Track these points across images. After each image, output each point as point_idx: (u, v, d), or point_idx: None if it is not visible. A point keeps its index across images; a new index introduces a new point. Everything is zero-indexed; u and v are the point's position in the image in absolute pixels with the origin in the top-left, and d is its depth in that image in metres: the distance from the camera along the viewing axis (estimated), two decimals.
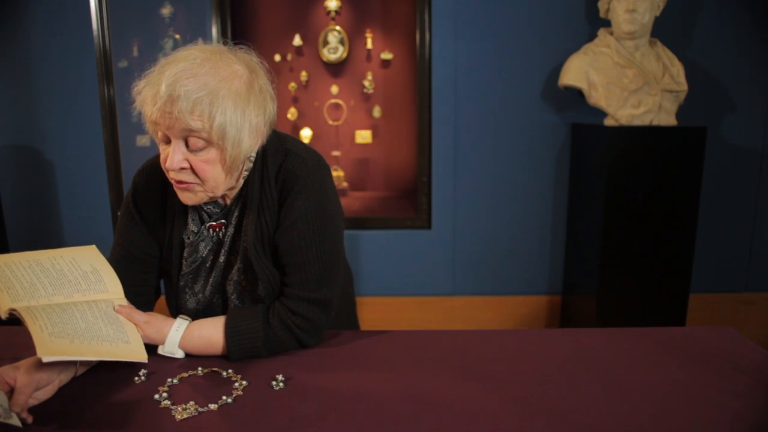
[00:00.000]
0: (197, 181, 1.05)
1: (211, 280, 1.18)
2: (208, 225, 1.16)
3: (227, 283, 1.18)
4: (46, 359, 0.87)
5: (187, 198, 1.08)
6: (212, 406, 0.92)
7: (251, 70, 1.06)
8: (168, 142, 1.03)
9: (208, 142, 1.02)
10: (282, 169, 1.13)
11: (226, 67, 1.02)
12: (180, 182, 1.05)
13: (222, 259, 1.17)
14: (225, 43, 1.08)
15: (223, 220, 1.17)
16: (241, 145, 1.04)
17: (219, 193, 1.10)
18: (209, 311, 1.20)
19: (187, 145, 1.02)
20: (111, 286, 1.08)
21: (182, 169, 1.03)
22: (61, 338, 0.92)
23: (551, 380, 1.01)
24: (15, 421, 0.83)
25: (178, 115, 0.97)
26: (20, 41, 2.86)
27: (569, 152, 2.84)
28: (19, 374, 0.89)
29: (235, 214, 1.16)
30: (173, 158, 1.01)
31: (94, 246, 1.10)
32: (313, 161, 1.15)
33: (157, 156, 1.22)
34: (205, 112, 0.98)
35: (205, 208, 1.17)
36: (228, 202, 1.16)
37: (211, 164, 1.03)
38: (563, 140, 2.84)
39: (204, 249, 1.18)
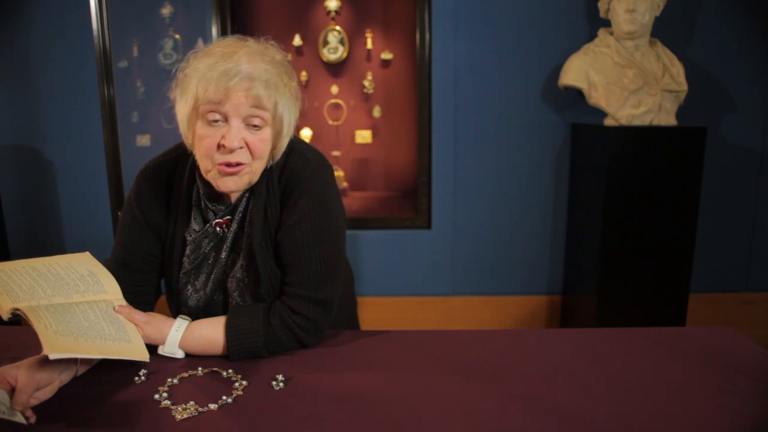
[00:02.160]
0: (249, 161, 1.07)
1: (212, 276, 1.18)
2: (215, 222, 1.17)
3: (229, 280, 1.18)
4: (53, 356, 0.87)
5: (231, 183, 1.09)
6: (212, 406, 0.93)
7: (292, 71, 1.13)
8: (215, 123, 1.05)
9: (266, 123, 1.07)
10: (285, 168, 1.14)
11: (279, 64, 1.09)
12: (229, 165, 1.06)
13: (224, 255, 1.17)
14: (257, 38, 1.11)
15: (229, 216, 1.17)
16: (286, 133, 1.11)
17: (257, 178, 1.12)
18: (210, 308, 1.20)
19: (245, 125, 1.06)
20: (109, 287, 1.08)
21: (239, 148, 1.06)
22: (65, 336, 0.92)
23: (551, 380, 1.01)
24: (20, 419, 0.84)
25: (254, 93, 1.03)
26: (20, 41, 2.86)
27: (569, 152, 2.84)
28: (20, 373, 0.89)
29: (239, 210, 1.17)
30: (234, 135, 1.04)
31: (87, 252, 1.11)
32: (316, 161, 1.16)
33: (161, 155, 1.22)
34: (273, 94, 1.05)
35: (210, 206, 1.17)
36: (233, 199, 1.17)
37: (265, 144, 1.08)
38: (563, 140, 2.84)
39: (207, 246, 1.18)
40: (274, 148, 1.11)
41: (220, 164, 1.07)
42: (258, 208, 1.14)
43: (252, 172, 1.10)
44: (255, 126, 1.06)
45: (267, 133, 1.08)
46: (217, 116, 1.04)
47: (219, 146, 1.05)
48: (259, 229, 1.13)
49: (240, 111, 1.04)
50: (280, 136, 1.10)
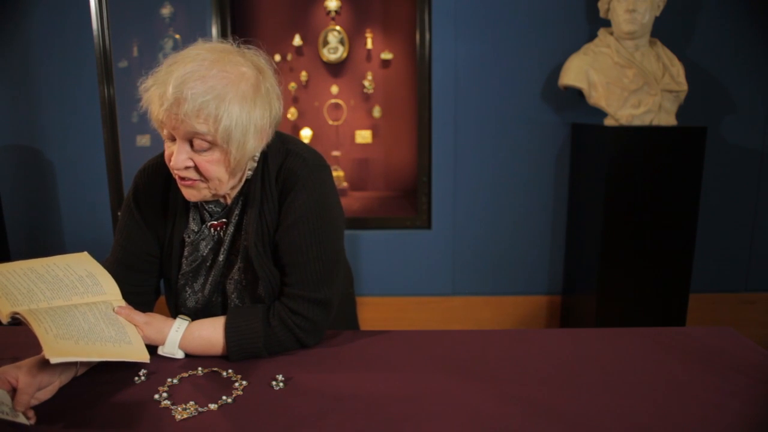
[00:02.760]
0: (201, 179, 1.06)
1: (210, 278, 1.18)
2: (209, 224, 1.17)
3: (227, 282, 1.18)
4: (54, 360, 0.87)
5: (190, 195, 1.09)
6: (212, 406, 0.93)
7: (259, 71, 1.07)
8: (173, 140, 1.04)
9: (213, 144, 1.02)
10: (283, 168, 1.14)
11: (233, 69, 1.02)
12: (183, 179, 1.06)
13: (222, 257, 1.17)
14: (234, 41, 1.09)
15: (224, 219, 1.17)
16: (246, 146, 1.04)
17: (222, 191, 1.10)
18: (208, 310, 1.20)
19: (191, 145, 1.03)
20: (108, 288, 1.08)
21: (186, 168, 1.04)
22: (65, 339, 0.92)
23: (551, 380, 1.01)
24: (21, 419, 0.84)
25: (183, 118, 0.98)
26: (20, 41, 2.86)
27: (569, 152, 2.84)
28: (21, 374, 0.89)
29: (236, 213, 1.17)
30: (177, 158, 1.02)
31: (86, 252, 1.11)
32: (314, 161, 1.15)
33: (159, 156, 1.22)
34: (211, 115, 0.99)
35: (206, 207, 1.17)
36: (229, 201, 1.17)
37: (215, 164, 1.04)
38: (563, 140, 2.84)
39: (204, 248, 1.18)
40: (238, 162, 1.06)
41: (176, 176, 1.07)
42: (253, 210, 1.13)
43: (211, 187, 1.08)
44: (201, 148, 1.02)
45: (215, 154, 1.03)
46: (166, 133, 1.04)
47: None
48: (254, 232, 1.13)
49: (180, 134, 1.01)
50: (238, 152, 1.03)
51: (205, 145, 1.02)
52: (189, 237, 1.17)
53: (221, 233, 1.18)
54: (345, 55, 3.54)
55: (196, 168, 1.04)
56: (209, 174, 1.05)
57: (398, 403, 0.93)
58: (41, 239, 3.06)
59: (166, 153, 1.06)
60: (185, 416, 0.90)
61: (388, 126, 3.68)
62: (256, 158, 1.13)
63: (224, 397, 0.95)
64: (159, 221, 1.20)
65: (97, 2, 2.77)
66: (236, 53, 1.06)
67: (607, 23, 2.55)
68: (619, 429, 0.85)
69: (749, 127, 2.80)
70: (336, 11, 3.49)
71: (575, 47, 2.60)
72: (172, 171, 1.07)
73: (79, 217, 3.02)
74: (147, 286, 1.22)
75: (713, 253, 2.88)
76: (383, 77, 3.61)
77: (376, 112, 3.62)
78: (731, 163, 2.82)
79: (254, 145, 1.06)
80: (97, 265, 1.10)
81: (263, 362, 1.09)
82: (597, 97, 2.48)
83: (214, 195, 1.10)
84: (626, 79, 2.44)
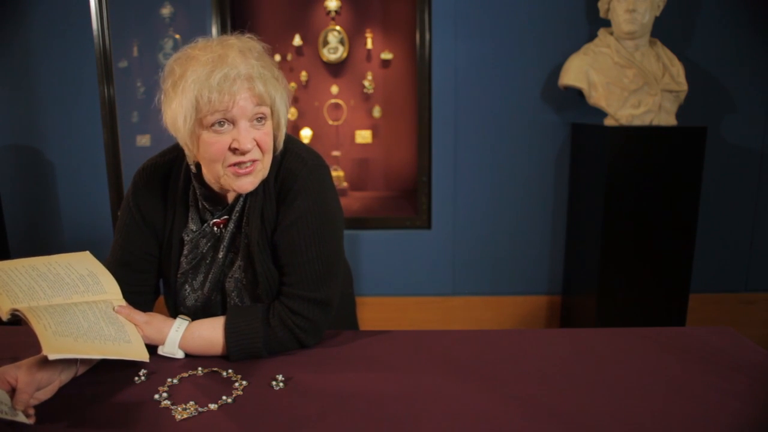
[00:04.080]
0: (261, 157, 1.08)
1: (210, 276, 1.18)
2: (212, 222, 1.17)
3: (227, 281, 1.18)
4: (52, 357, 0.87)
5: (248, 183, 1.08)
6: (212, 406, 0.93)
7: (275, 61, 1.12)
8: (221, 128, 1.03)
9: (267, 117, 1.07)
10: (281, 168, 1.14)
11: (265, 57, 1.08)
12: (242, 165, 1.06)
13: (221, 255, 1.17)
14: (240, 32, 1.10)
15: (226, 216, 1.17)
16: (283, 126, 1.12)
17: (267, 172, 1.12)
18: (208, 308, 1.20)
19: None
20: (109, 288, 1.08)
21: (252, 147, 1.06)
22: (65, 337, 0.92)
23: (551, 380, 1.01)
24: (21, 418, 0.84)
25: (256, 91, 1.03)
26: (20, 41, 2.86)
27: (569, 152, 2.84)
28: (20, 373, 0.89)
29: (236, 210, 1.17)
30: (247, 137, 1.04)
31: (87, 252, 1.11)
32: (312, 161, 1.15)
33: (158, 155, 1.22)
34: (269, 89, 1.05)
35: (207, 207, 1.17)
36: (230, 200, 1.17)
37: (270, 137, 1.09)
38: (563, 140, 2.84)
39: (204, 245, 1.18)
40: (276, 139, 1.11)
41: (231, 167, 1.06)
42: (255, 207, 1.14)
43: (264, 167, 1.10)
44: (259, 121, 1.06)
45: (269, 126, 1.08)
46: (224, 122, 1.04)
47: (230, 149, 1.04)
48: (256, 229, 1.13)
49: (247, 112, 1.03)
50: (279, 127, 1.11)
51: (266, 113, 1.07)
52: (188, 236, 1.17)
53: (222, 230, 1.18)
54: (345, 55, 3.54)
55: (258, 146, 1.07)
56: (268, 145, 1.08)
57: (398, 403, 0.93)
58: (41, 239, 3.06)
59: (217, 147, 1.04)
60: (185, 416, 0.90)
61: (388, 126, 3.68)
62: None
63: (224, 397, 0.95)
64: (158, 221, 1.20)
65: (97, 2, 2.77)
66: (253, 42, 1.09)
67: (607, 23, 2.55)
68: (619, 429, 0.85)
69: (749, 127, 2.80)
70: (336, 11, 3.50)
71: (575, 47, 2.60)
72: (222, 165, 1.05)
73: (79, 217, 3.01)
74: (146, 285, 1.22)
75: (713, 253, 2.88)
76: (383, 77, 3.61)
77: (376, 112, 3.62)
78: (731, 163, 2.82)
79: (284, 130, 1.13)
80: (99, 264, 1.10)
81: (263, 362, 1.09)
82: (597, 97, 2.48)
83: (261, 179, 1.11)
84: (626, 79, 2.44)
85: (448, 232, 2.94)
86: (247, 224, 1.15)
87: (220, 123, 1.03)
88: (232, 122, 1.04)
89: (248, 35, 1.10)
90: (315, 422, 0.88)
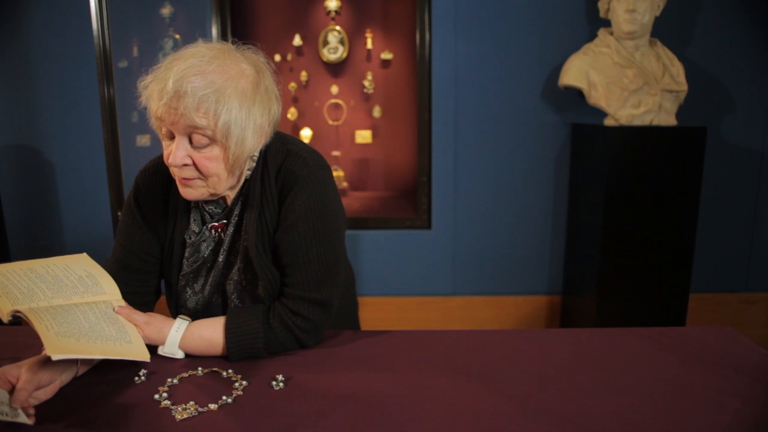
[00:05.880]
0: (199, 176, 1.05)
1: (210, 279, 1.18)
2: (210, 226, 1.17)
3: (227, 283, 1.18)
4: (56, 357, 0.87)
5: (187, 193, 1.08)
6: (212, 406, 0.93)
7: (258, 70, 1.07)
8: (172, 138, 1.04)
9: (212, 140, 1.02)
10: (282, 168, 1.14)
11: (233, 65, 1.03)
12: (182, 178, 1.06)
13: (221, 258, 1.17)
14: (233, 43, 1.09)
15: (224, 221, 1.17)
16: (245, 143, 1.04)
17: (221, 190, 1.10)
18: (209, 310, 1.20)
19: (190, 141, 1.03)
20: (108, 288, 1.08)
21: (185, 165, 1.04)
22: (67, 337, 0.92)
23: (551, 380, 1.01)
24: (22, 419, 0.84)
25: (183, 112, 0.98)
26: (20, 41, 2.86)
27: (569, 152, 2.84)
28: (21, 372, 0.89)
29: (236, 213, 1.16)
30: (176, 154, 1.02)
31: (85, 254, 1.11)
32: (313, 161, 1.15)
33: (160, 156, 1.22)
34: (210, 109, 0.99)
35: (206, 209, 1.17)
36: (229, 202, 1.17)
37: (214, 161, 1.04)
38: (563, 140, 2.84)
39: (206, 249, 1.18)
40: (236, 159, 1.06)
41: (175, 175, 1.07)
42: (253, 210, 1.13)
43: (209, 185, 1.07)
44: (200, 144, 1.02)
45: (214, 151, 1.03)
46: (165, 132, 1.04)
47: None
48: (254, 232, 1.13)
49: (179, 129, 1.01)
50: (236, 148, 1.03)
51: (205, 140, 1.02)
52: (190, 238, 1.17)
53: (221, 234, 1.18)
54: (345, 55, 3.54)
55: (195, 166, 1.04)
56: (208, 171, 1.04)
57: (398, 403, 0.93)
58: (41, 239, 3.06)
59: (165, 152, 1.06)
60: (185, 416, 0.90)
61: (388, 126, 3.68)
62: (255, 158, 1.13)
63: (224, 397, 0.95)
64: (160, 222, 1.20)
65: (97, 2, 2.77)
66: (235, 51, 1.06)
67: (607, 23, 2.55)
68: (619, 429, 0.85)
69: (749, 127, 2.80)
70: (336, 11, 3.50)
71: (575, 47, 2.60)
72: (170, 170, 1.07)
73: (79, 218, 3.01)
74: (147, 286, 1.22)
75: (713, 253, 2.88)
76: (383, 77, 3.61)
77: (376, 112, 3.62)
78: (731, 163, 2.82)
79: (253, 143, 1.06)
80: (97, 265, 1.10)
81: (263, 362, 1.09)
82: (597, 97, 2.48)
83: (212, 194, 1.10)
84: (626, 79, 2.44)
85: (448, 232, 2.94)
86: (247, 226, 1.14)
87: (165, 134, 1.04)
88: (172, 135, 1.03)
89: (248, 46, 1.09)
90: (315, 422, 0.88)
